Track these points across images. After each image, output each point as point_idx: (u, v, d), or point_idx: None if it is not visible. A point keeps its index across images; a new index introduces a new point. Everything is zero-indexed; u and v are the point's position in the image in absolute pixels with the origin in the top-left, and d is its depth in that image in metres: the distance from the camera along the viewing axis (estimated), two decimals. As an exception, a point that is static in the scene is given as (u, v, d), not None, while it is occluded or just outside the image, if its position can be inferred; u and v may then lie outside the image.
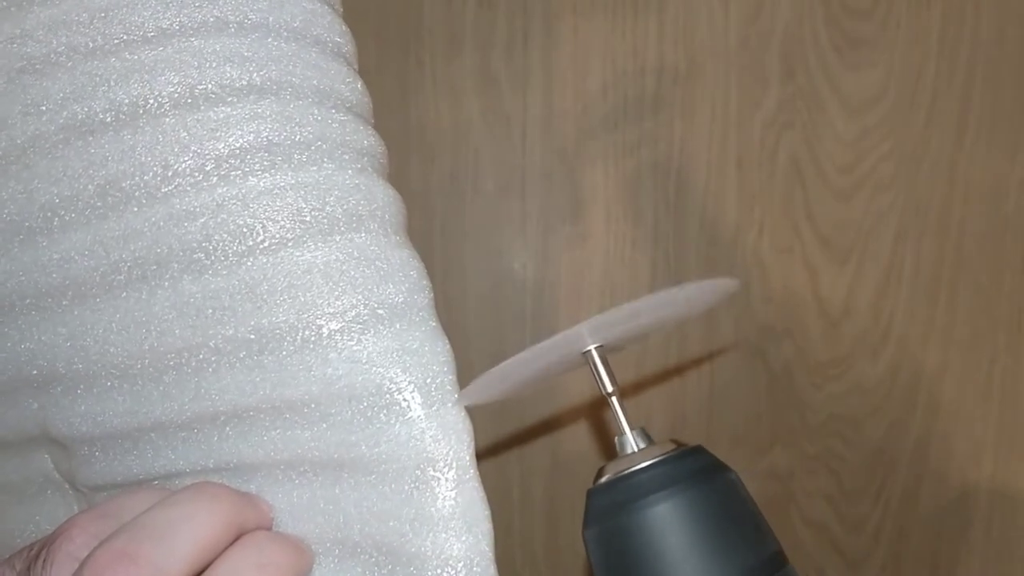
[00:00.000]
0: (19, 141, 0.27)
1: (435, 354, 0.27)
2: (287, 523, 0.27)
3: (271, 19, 0.27)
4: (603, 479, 0.27)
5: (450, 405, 0.27)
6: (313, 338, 0.26)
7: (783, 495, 0.55)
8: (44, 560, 0.23)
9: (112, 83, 0.26)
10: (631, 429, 0.27)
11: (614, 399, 0.27)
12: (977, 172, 0.53)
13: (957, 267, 0.54)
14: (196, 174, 0.26)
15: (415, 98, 0.53)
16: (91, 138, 0.26)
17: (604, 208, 0.53)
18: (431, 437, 0.26)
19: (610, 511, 0.25)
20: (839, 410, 0.55)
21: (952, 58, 0.52)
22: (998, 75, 0.52)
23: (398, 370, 0.26)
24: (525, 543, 0.56)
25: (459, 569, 0.25)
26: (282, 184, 0.26)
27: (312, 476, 0.26)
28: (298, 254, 0.26)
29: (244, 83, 0.26)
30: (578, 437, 0.54)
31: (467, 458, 0.26)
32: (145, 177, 0.26)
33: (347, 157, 0.27)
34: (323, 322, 0.26)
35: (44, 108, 0.26)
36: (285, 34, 0.27)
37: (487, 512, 0.26)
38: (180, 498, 0.24)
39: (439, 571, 0.25)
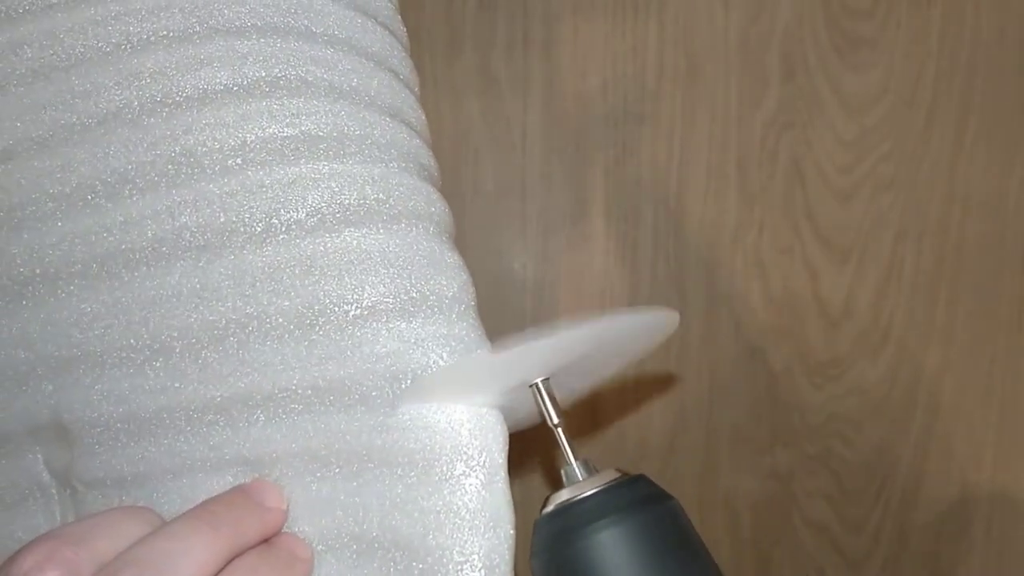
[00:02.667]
0: (107, 108, 0.28)
1: (480, 349, 0.27)
2: (304, 518, 0.27)
3: (355, 38, 0.29)
4: (548, 509, 0.28)
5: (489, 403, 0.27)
6: (365, 314, 0.26)
7: (783, 495, 0.55)
8: None
9: (204, 65, 0.27)
10: (575, 459, 0.28)
11: (559, 430, 0.29)
12: (977, 172, 0.53)
13: (957, 267, 0.54)
14: (272, 152, 0.27)
15: (415, 98, 0.53)
16: (176, 110, 0.27)
17: (604, 208, 0.53)
18: (468, 431, 0.26)
19: (555, 540, 0.27)
20: (839, 410, 0.55)
21: (952, 58, 0.52)
22: (998, 75, 0.52)
23: (443, 353, 0.26)
24: (525, 543, 0.56)
25: (478, 567, 0.25)
26: (352, 172, 0.27)
27: (336, 468, 0.26)
28: (359, 235, 0.27)
29: (326, 83, 0.28)
30: (578, 438, 0.54)
31: (499, 459, 0.27)
32: (223, 150, 0.27)
33: (412, 165, 0.29)
34: (376, 300, 0.26)
35: (138, 81, 0.28)
36: (366, 54, 0.29)
37: (512, 516, 0.26)
38: (178, 529, 0.23)
39: (459, 566, 0.25)
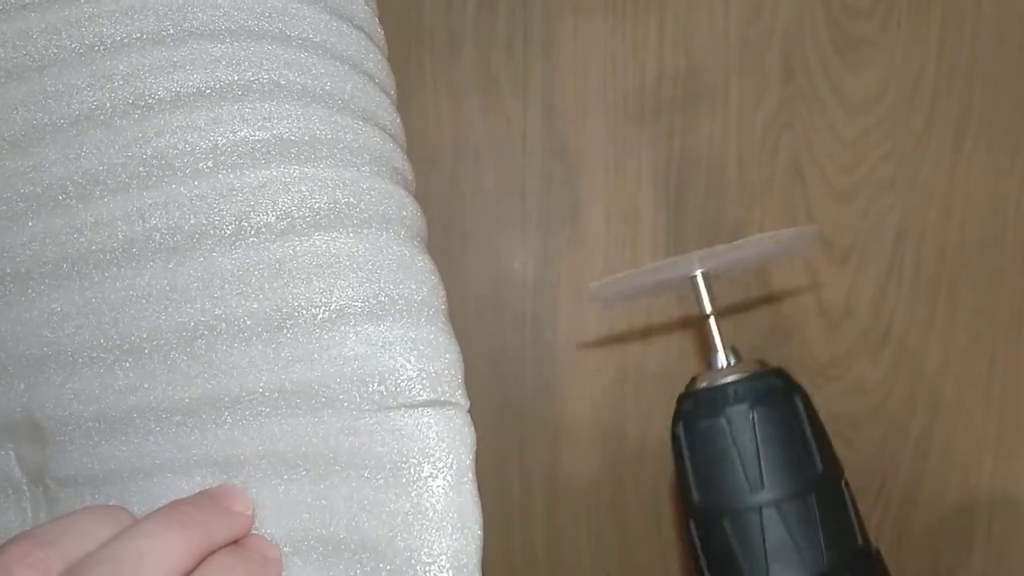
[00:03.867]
0: (79, 109, 0.28)
1: (448, 352, 0.28)
2: (271, 520, 0.27)
3: (330, 42, 0.29)
4: (697, 387, 0.31)
5: (458, 406, 0.27)
6: (333, 317, 0.27)
7: (783, 495, 0.55)
8: None
9: (178, 68, 0.28)
10: (723, 347, 0.32)
11: (712, 319, 0.32)
12: (977, 172, 0.53)
13: (957, 267, 0.54)
14: (243, 155, 0.27)
15: (415, 98, 0.53)
16: (148, 113, 0.28)
17: (604, 208, 0.53)
18: (435, 433, 0.26)
19: (698, 414, 0.30)
20: (839, 410, 0.55)
21: (952, 58, 0.52)
22: (998, 75, 0.52)
23: (412, 357, 0.27)
24: (525, 543, 0.56)
25: (446, 567, 0.25)
26: (323, 176, 0.28)
27: (303, 471, 0.27)
28: (329, 239, 0.27)
29: (299, 87, 0.28)
30: (579, 438, 0.54)
31: (467, 461, 0.27)
32: (195, 153, 0.27)
33: (384, 169, 0.29)
34: (344, 303, 0.27)
35: (111, 83, 0.28)
36: (341, 58, 0.29)
37: (480, 517, 0.27)
38: (149, 527, 0.23)
39: (427, 567, 0.25)
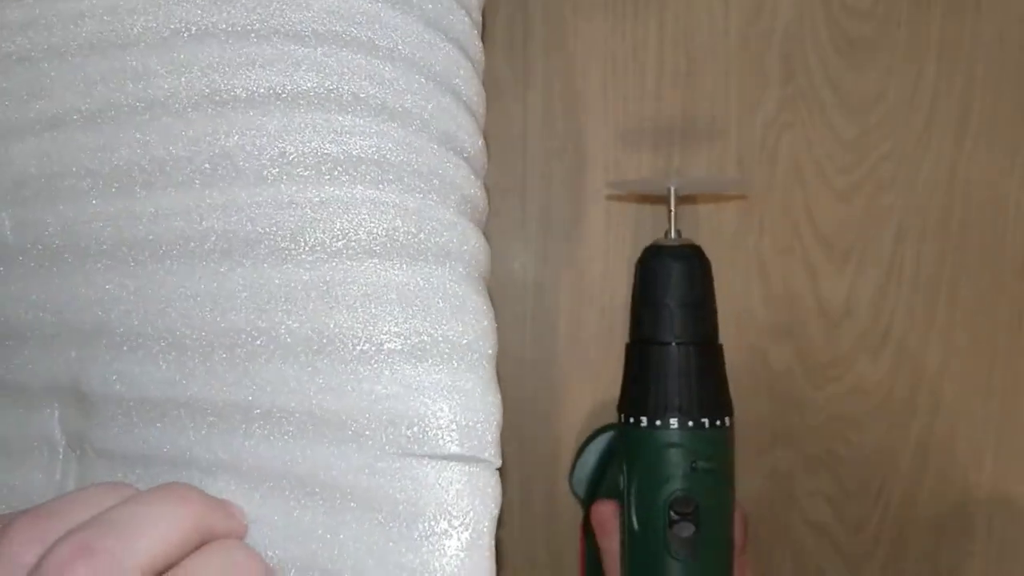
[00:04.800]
0: (155, 94, 0.27)
1: (485, 404, 0.27)
2: (280, 543, 0.26)
3: (418, 55, 0.28)
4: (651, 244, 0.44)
5: (487, 464, 0.26)
6: (372, 351, 0.26)
7: (783, 495, 0.55)
8: None
9: (257, 66, 0.27)
10: (674, 228, 0.44)
11: (672, 212, 0.45)
12: (977, 172, 0.53)
13: (957, 267, 0.54)
14: (309, 168, 0.27)
15: (415, 98, 0.53)
16: (222, 109, 0.27)
17: (604, 208, 0.53)
18: (456, 490, 0.26)
19: (645, 261, 0.44)
20: (839, 410, 0.55)
21: (952, 58, 0.52)
22: (998, 75, 0.52)
23: (444, 405, 0.26)
24: (525, 543, 0.56)
25: None
26: (386, 200, 0.27)
27: (320, 500, 0.26)
28: (381, 268, 0.26)
29: (378, 102, 0.27)
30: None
31: (486, 524, 0.26)
32: (261, 159, 0.27)
33: (453, 197, 0.28)
34: (385, 338, 0.26)
35: (189, 72, 0.27)
36: (428, 73, 0.28)
37: None
38: (148, 496, 0.24)
39: None
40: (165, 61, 0.27)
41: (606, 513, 0.45)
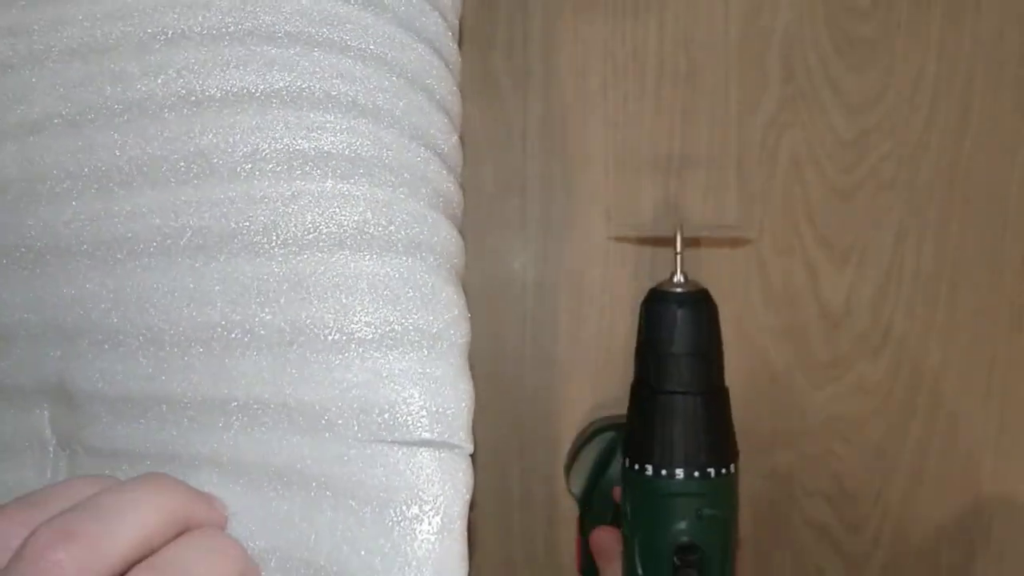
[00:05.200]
0: (132, 97, 0.28)
1: (456, 390, 0.27)
2: (260, 534, 0.26)
3: (390, 55, 0.29)
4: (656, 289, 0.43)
5: (459, 449, 0.27)
6: (343, 341, 0.26)
7: (783, 495, 0.55)
8: None
9: (231, 67, 0.28)
10: (680, 272, 0.43)
11: (679, 256, 0.43)
12: (977, 172, 0.53)
13: (957, 267, 0.54)
14: (281, 163, 0.27)
15: (415, 98, 0.53)
16: (197, 109, 0.28)
17: (604, 208, 0.53)
18: (427, 475, 0.26)
19: (650, 306, 0.43)
20: (839, 410, 0.55)
21: (952, 58, 0.52)
22: (998, 75, 0.52)
23: (415, 392, 0.26)
24: (525, 543, 0.56)
25: None
26: (356, 194, 0.27)
27: (296, 489, 0.26)
28: (352, 260, 0.27)
29: (349, 99, 0.28)
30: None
31: (457, 508, 0.26)
32: (235, 156, 0.27)
33: (424, 191, 0.29)
34: (356, 328, 0.26)
35: (165, 74, 0.28)
36: (400, 72, 0.29)
37: (465, 567, 0.26)
38: (129, 484, 0.24)
39: None
40: (142, 64, 0.28)
41: (607, 540, 0.45)
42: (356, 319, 0.27)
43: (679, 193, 0.53)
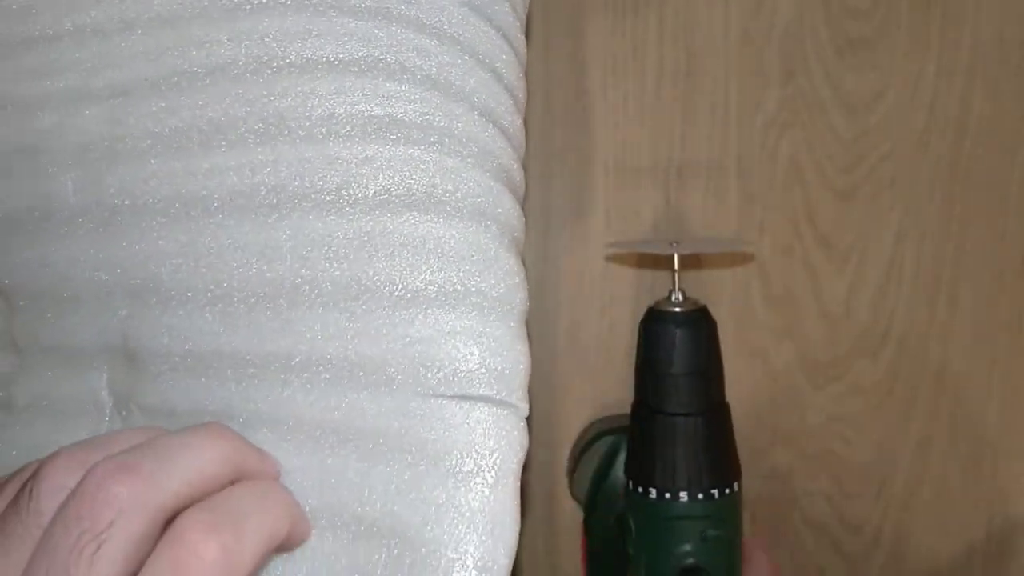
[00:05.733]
0: (216, 61, 0.29)
1: (514, 351, 0.28)
2: (313, 491, 0.27)
3: (463, 35, 0.30)
4: (654, 308, 0.43)
5: (515, 408, 0.27)
6: (407, 297, 0.27)
7: (783, 495, 0.55)
8: (31, 492, 0.23)
9: (312, 36, 0.29)
10: (677, 290, 0.42)
11: (676, 273, 0.43)
12: (977, 172, 0.53)
13: (957, 267, 0.54)
14: (356, 128, 0.28)
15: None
16: (277, 75, 0.29)
17: (604, 208, 0.53)
18: (483, 430, 0.26)
19: (648, 326, 0.42)
20: (839, 410, 0.55)
21: (952, 58, 0.52)
22: (998, 75, 0.52)
23: (475, 349, 0.27)
24: (525, 543, 0.56)
25: (470, 567, 0.25)
26: (426, 160, 0.28)
27: (352, 446, 0.27)
28: (420, 222, 0.28)
29: (423, 73, 0.29)
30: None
31: (512, 465, 0.27)
32: (311, 119, 0.29)
33: (490, 164, 0.30)
34: (420, 286, 0.27)
35: (247, 40, 0.29)
36: (471, 52, 0.30)
37: (516, 524, 0.26)
38: (186, 431, 0.25)
39: (451, 563, 0.25)
40: (227, 31, 0.29)
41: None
42: (421, 277, 0.27)
43: (678, 194, 0.53)
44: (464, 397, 0.27)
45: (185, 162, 0.29)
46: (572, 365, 0.54)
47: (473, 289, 0.27)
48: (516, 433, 0.27)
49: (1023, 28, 0.52)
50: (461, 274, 0.28)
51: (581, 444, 0.52)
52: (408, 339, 0.27)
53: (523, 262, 0.30)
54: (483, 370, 0.27)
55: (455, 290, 0.27)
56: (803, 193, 0.53)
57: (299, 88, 0.29)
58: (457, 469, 0.26)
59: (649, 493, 0.41)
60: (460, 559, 0.25)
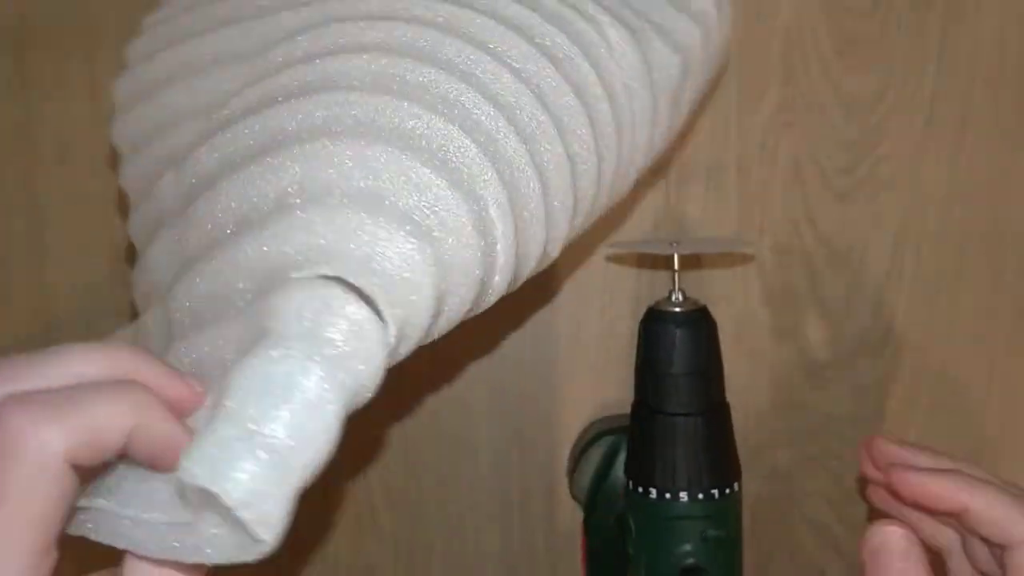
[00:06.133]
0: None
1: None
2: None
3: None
4: (654, 308, 0.43)
5: None
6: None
7: (783, 495, 0.55)
8: None
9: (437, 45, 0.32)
10: (676, 290, 0.43)
11: (676, 274, 0.44)
12: (977, 172, 0.53)
13: (957, 267, 0.54)
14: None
15: (415, 98, 0.53)
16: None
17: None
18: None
19: (647, 326, 0.43)
20: (839, 410, 0.55)
21: (952, 58, 0.52)
22: (998, 75, 0.52)
23: None
24: (525, 542, 0.56)
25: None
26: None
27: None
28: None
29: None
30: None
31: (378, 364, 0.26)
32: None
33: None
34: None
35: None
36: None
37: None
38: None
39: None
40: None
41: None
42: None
43: (678, 194, 0.53)
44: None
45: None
46: (572, 365, 0.54)
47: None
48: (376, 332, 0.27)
49: (1023, 28, 0.52)
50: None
51: (581, 444, 0.52)
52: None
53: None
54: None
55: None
56: (803, 193, 0.53)
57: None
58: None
59: (649, 493, 0.41)
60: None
